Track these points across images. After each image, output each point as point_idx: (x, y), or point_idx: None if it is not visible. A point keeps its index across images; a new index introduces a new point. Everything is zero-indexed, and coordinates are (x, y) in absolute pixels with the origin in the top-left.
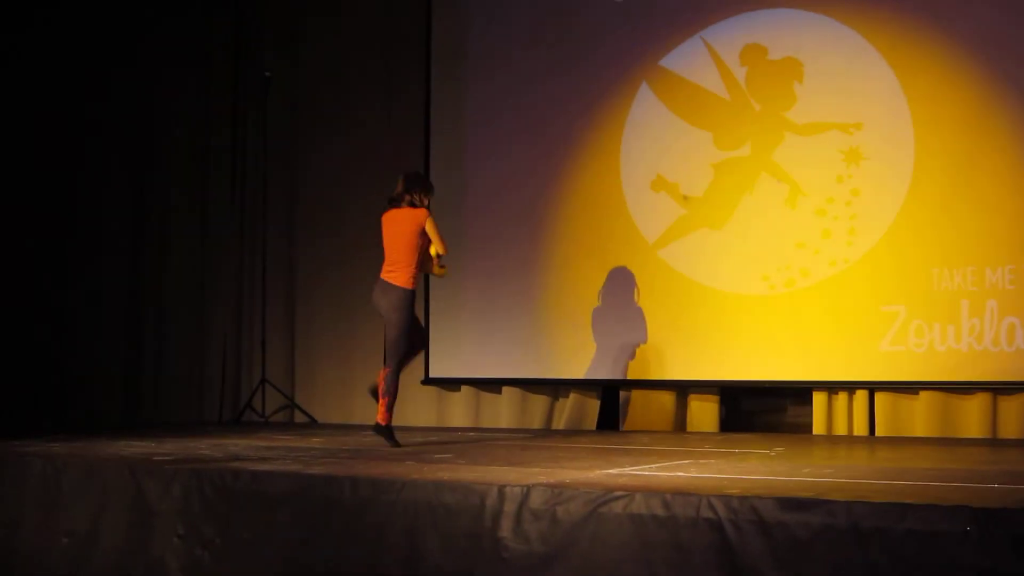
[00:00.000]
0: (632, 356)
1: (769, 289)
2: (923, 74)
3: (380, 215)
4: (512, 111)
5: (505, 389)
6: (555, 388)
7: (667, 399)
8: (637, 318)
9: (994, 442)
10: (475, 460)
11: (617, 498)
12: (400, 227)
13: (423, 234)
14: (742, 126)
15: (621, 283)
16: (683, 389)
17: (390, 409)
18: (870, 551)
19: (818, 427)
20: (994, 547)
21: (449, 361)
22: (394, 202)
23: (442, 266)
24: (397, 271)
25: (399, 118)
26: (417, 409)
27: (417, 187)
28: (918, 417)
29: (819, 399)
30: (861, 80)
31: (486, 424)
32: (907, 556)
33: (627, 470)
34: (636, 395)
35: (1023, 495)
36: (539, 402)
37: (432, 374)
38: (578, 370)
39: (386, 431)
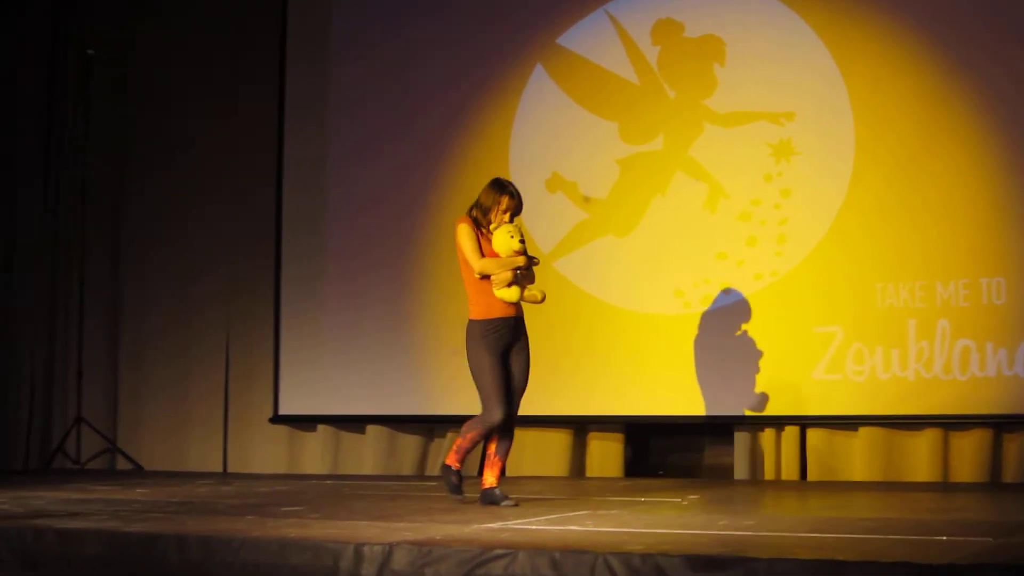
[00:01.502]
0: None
1: (684, 307)
2: (865, 58)
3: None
4: (382, 101)
5: (370, 428)
6: (430, 427)
7: (562, 438)
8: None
9: (945, 486)
10: (330, 514)
11: (497, 557)
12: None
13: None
14: (653, 116)
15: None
16: (581, 426)
17: (460, 451)
18: None
19: (740, 470)
20: None
21: (303, 395)
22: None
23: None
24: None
25: (248, 113)
26: (264, 452)
27: (480, 197)
28: (857, 457)
29: (741, 437)
30: (793, 63)
31: (346, 470)
32: None
33: (511, 524)
34: (526, 433)
35: (975, 549)
36: (410, 443)
37: (282, 410)
38: (457, 405)
39: (450, 474)
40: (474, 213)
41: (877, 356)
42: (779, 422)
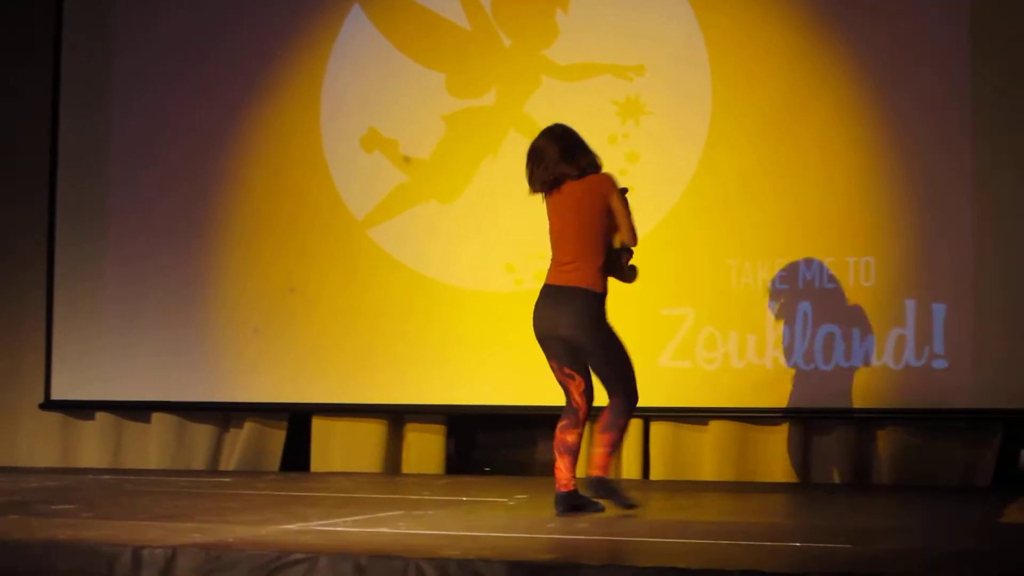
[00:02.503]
0: (329, 372)
1: (515, 284)
2: (726, 3)
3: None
4: (174, 43)
5: (156, 416)
6: (225, 415)
7: (376, 430)
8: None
9: (804, 487)
10: (107, 513)
11: (295, 563)
12: (576, 203)
13: (609, 211)
14: (485, 66)
15: (323, 272)
16: (397, 417)
17: (612, 449)
18: None
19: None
20: None
21: (79, 379)
22: (556, 182)
23: (632, 265)
24: (577, 266)
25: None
26: (33, 443)
27: (579, 146)
28: (707, 454)
29: None
30: (645, 11)
31: (129, 464)
32: None
33: (314, 525)
34: (336, 424)
35: (832, 557)
36: (202, 434)
37: (55, 395)
38: (258, 391)
39: (606, 487)
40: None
41: (731, 342)
42: None
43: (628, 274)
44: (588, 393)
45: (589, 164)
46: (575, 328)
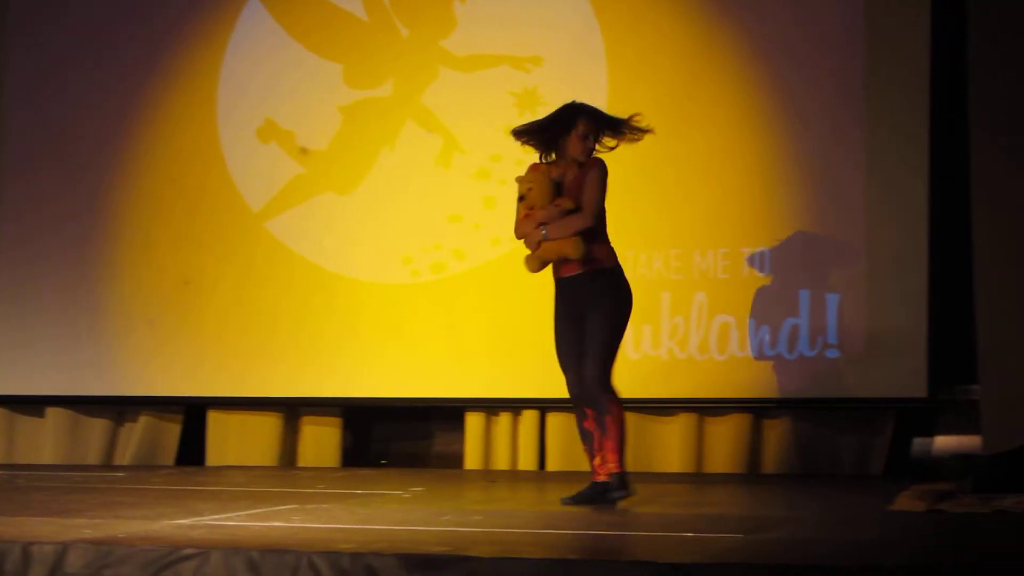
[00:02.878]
0: (224, 365)
1: (412, 276)
2: None
3: None
4: (70, 36)
5: (50, 411)
6: (120, 409)
7: (271, 423)
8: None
9: (698, 477)
10: None
11: (186, 558)
12: None
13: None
14: (383, 57)
15: (218, 264)
16: (293, 409)
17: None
18: None
19: (472, 459)
20: None
21: None
22: None
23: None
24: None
25: None
26: None
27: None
28: None
29: (474, 422)
30: (542, 2)
31: (21, 459)
32: None
33: (206, 519)
34: (231, 418)
35: (724, 546)
36: (97, 428)
37: None
38: (153, 384)
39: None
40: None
41: (627, 333)
42: (516, 405)
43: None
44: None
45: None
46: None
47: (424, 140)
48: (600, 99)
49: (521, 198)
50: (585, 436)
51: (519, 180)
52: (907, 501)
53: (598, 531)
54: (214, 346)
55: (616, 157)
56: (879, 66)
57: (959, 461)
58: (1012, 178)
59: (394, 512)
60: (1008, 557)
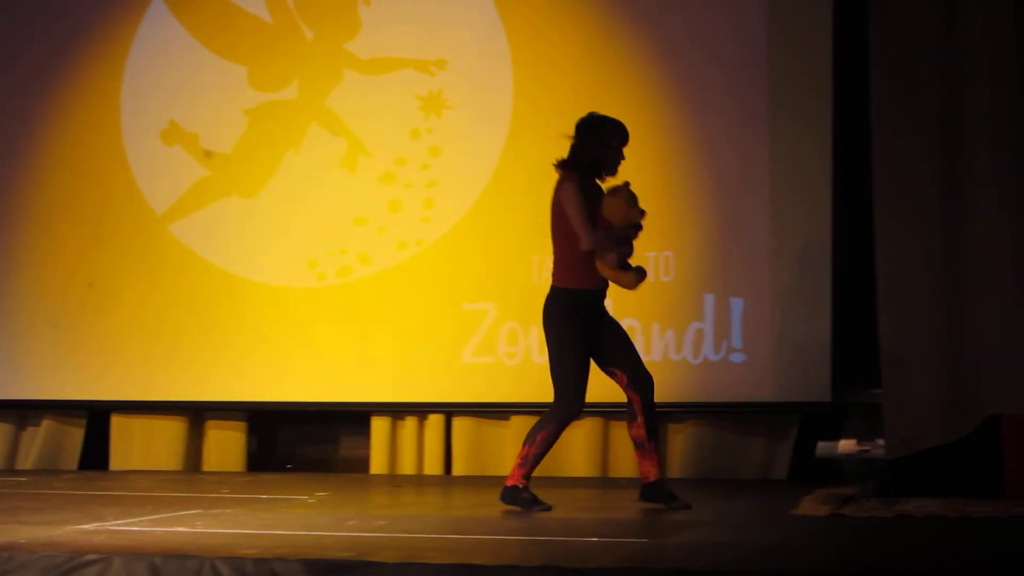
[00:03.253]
0: (128, 369)
1: (318, 280)
2: (529, 1)
3: None
4: None
5: None
6: (22, 413)
7: (176, 427)
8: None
9: (604, 482)
10: None
11: (88, 564)
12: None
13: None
14: (288, 59)
15: (123, 267)
16: (198, 414)
17: (528, 461)
18: None
19: (378, 464)
20: None
21: None
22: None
23: (626, 268)
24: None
25: None
26: None
27: (584, 142)
28: (509, 450)
29: (380, 426)
30: (446, 5)
31: None
32: None
33: (109, 525)
34: (135, 422)
35: (629, 551)
36: None
37: None
38: (56, 388)
39: (514, 494)
40: (578, 166)
41: (532, 337)
42: (422, 409)
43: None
44: (635, 383)
45: (569, 162)
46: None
47: (329, 143)
48: (506, 102)
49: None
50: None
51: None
52: (811, 505)
53: (503, 536)
54: (118, 350)
55: (520, 162)
56: (782, 68)
57: (862, 465)
58: (913, 181)
59: (298, 517)
60: (910, 561)
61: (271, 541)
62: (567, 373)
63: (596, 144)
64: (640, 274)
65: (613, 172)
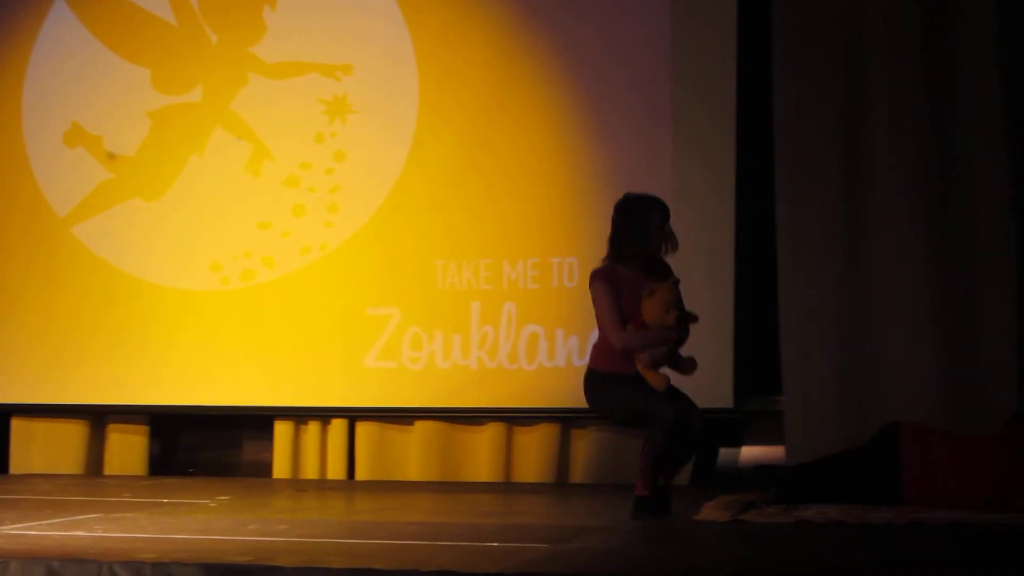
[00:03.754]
0: (28, 371)
1: (221, 283)
2: (434, 6)
3: None
4: None
5: None
6: None
7: (77, 431)
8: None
9: (507, 487)
10: None
11: None
12: None
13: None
14: (192, 63)
15: (24, 270)
16: (99, 417)
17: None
18: None
19: (280, 468)
20: None
21: None
22: None
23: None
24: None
25: None
26: None
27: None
28: (412, 455)
29: (283, 431)
30: (352, 10)
31: None
32: None
33: (7, 528)
34: (35, 425)
35: (529, 556)
36: None
37: None
38: None
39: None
40: (605, 262)
41: (437, 342)
42: (325, 414)
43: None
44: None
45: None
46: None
47: (233, 147)
48: (412, 108)
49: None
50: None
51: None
52: (712, 511)
53: (404, 541)
54: (19, 352)
55: (427, 169)
56: (685, 78)
57: (763, 471)
58: (814, 191)
59: (199, 521)
60: (809, 566)
61: (170, 545)
62: (642, 405)
63: (638, 228)
64: (685, 369)
65: (658, 251)
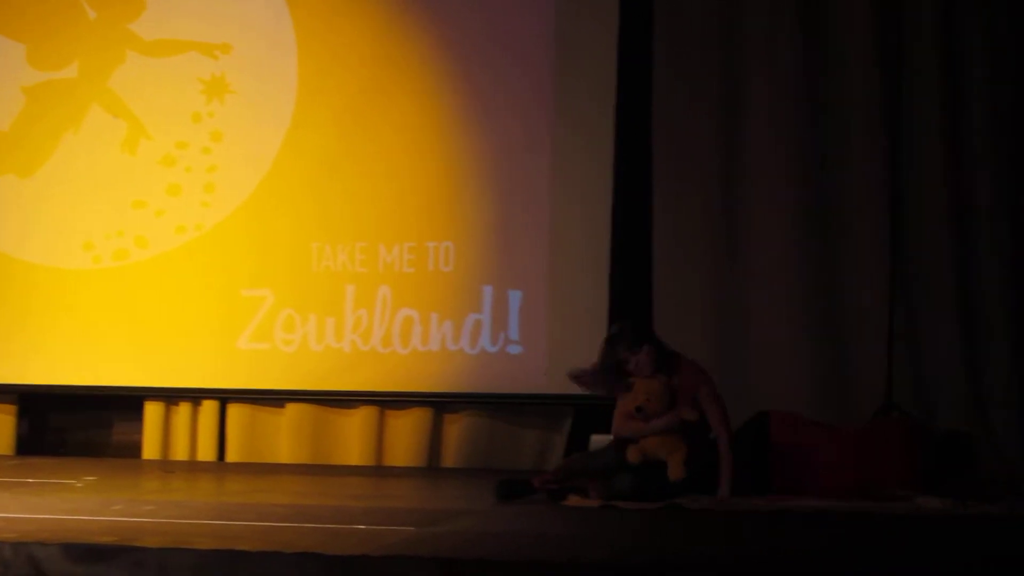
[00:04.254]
0: None
1: (93, 262)
2: None
3: None
4: None
5: None
6: None
7: None
8: None
9: (378, 470)
10: None
11: None
12: None
13: None
14: (69, 38)
15: None
16: None
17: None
18: None
19: (150, 449)
20: None
21: None
22: None
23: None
24: None
25: None
26: None
27: None
28: (284, 437)
29: (153, 411)
30: None
31: None
32: None
33: None
34: None
35: (394, 539)
36: None
37: None
38: None
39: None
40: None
41: (310, 324)
42: (196, 395)
43: None
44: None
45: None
46: None
47: (110, 124)
48: (290, 89)
49: (639, 409)
50: None
51: (638, 389)
52: (583, 499)
53: (271, 523)
54: None
55: (304, 151)
56: (567, 69)
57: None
58: (692, 183)
59: (64, 501)
60: (676, 550)
61: (33, 525)
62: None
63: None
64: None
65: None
